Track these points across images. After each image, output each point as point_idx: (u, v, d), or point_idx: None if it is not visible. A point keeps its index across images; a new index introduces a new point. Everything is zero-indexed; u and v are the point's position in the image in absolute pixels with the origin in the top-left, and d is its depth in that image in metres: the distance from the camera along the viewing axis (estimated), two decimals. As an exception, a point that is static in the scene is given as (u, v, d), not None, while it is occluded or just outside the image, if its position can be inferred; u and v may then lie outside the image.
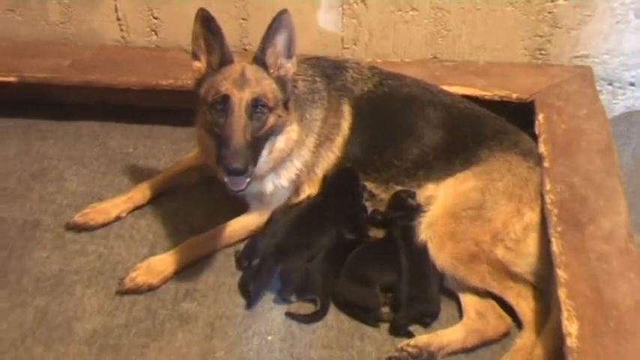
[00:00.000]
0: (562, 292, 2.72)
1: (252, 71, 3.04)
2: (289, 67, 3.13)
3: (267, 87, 3.05)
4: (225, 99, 2.96)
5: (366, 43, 4.04)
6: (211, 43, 3.05)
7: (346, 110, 3.41)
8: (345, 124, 3.40)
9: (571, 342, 2.56)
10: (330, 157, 3.41)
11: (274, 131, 3.11)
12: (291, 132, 3.22)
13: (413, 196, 3.32)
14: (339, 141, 3.40)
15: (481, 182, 3.19)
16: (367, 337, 3.02)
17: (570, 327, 2.61)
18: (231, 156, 2.86)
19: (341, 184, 3.37)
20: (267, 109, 3.03)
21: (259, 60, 3.08)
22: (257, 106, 2.99)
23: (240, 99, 2.96)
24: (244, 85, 2.98)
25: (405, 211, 3.27)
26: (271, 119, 3.05)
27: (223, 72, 3.03)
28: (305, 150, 3.34)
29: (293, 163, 3.33)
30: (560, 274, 2.78)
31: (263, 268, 3.11)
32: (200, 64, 3.11)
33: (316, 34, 4.02)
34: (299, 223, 3.27)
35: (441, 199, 3.23)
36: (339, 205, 3.32)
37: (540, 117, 3.52)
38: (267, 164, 3.20)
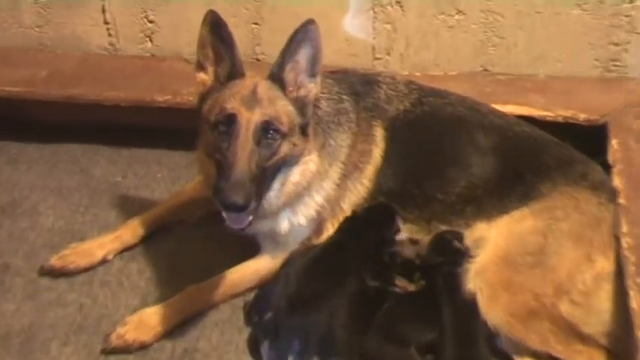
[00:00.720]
0: (643, 358, 2.69)
1: (266, 89, 3.08)
2: (311, 87, 3.17)
3: (282, 109, 3.08)
4: (231, 119, 3.00)
5: (402, 52, 4.08)
6: (220, 52, 3.10)
7: (378, 134, 3.44)
8: (377, 151, 3.43)
9: (655, 418, 2.54)
10: (358, 189, 3.43)
11: (287, 162, 3.14)
12: (309, 163, 3.25)
13: (460, 237, 3.32)
14: (370, 170, 3.42)
15: (542, 222, 3.18)
16: (401, 406, 3.02)
17: (654, 400, 2.59)
18: (229, 188, 2.88)
19: (371, 222, 3.39)
20: (280, 136, 3.06)
21: (276, 76, 3.12)
22: (268, 130, 3.02)
23: (248, 120, 2.99)
24: (255, 105, 3.01)
25: (451, 255, 3.27)
26: (284, 148, 3.08)
27: (232, 87, 3.07)
28: (328, 182, 3.37)
29: (313, 198, 3.36)
30: (641, 335, 2.75)
31: (276, 326, 3.10)
32: (206, 77, 3.15)
33: (342, 41, 4.08)
34: (315, 267, 3.28)
35: (493, 241, 3.23)
36: (363, 245, 3.34)
37: (614, 143, 3.52)
38: (279, 199, 3.23)
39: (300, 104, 3.14)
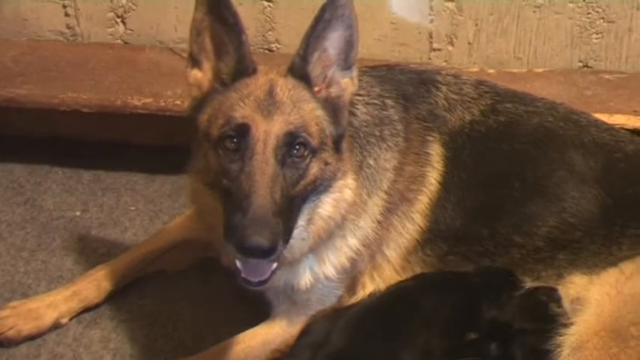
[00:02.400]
0: None
1: (287, 89, 3.10)
2: (346, 84, 3.20)
3: (310, 115, 3.11)
4: (242, 131, 3.01)
5: (470, 41, 4.16)
6: (223, 42, 3.13)
7: (435, 152, 3.48)
8: (434, 176, 3.47)
9: None
10: (408, 229, 3.46)
11: (317, 187, 3.15)
12: (344, 189, 3.27)
13: (559, 299, 3.35)
14: (424, 202, 3.45)
15: (664, 279, 3.23)
16: None
17: None
18: (249, 226, 2.85)
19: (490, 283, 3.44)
20: (310, 152, 3.08)
21: (298, 71, 3.15)
22: (294, 145, 3.04)
23: (267, 132, 3.01)
24: (273, 111, 3.04)
25: (543, 323, 3.28)
26: (314, 168, 3.10)
27: (240, 88, 3.10)
28: (366, 218, 3.41)
29: (346, 240, 3.39)
30: None
31: None
32: (202, 75, 3.19)
33: (387, 25, 4.16)
34: (370, 319, 3.31)
35: (594, 304, 3.25)
36: (465, 301, 3.38)
37: None
38: (304, 242, 3.25)
39: (333, 108, 3.16)
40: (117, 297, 3.66)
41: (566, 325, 3.22)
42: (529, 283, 3.42)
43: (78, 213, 4.07)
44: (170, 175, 4.16)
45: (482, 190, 3.48)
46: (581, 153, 3.48)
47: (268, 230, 2.81)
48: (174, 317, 3.62)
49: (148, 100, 3.98)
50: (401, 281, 3.45)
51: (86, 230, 3.98)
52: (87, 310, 3.61)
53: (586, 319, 3.21)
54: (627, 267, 3.30)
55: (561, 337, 3.18)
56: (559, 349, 3.16)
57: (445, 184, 3.46)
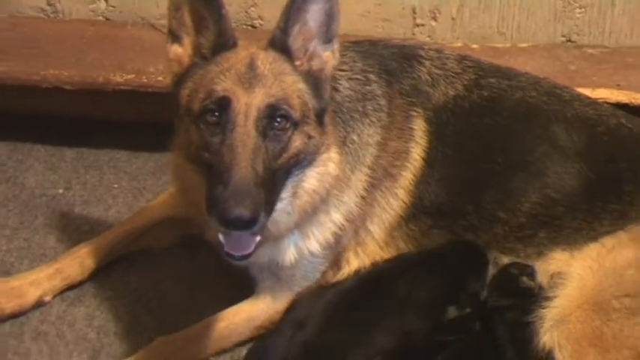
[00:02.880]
0: None
1: (268, 62, 3.10)
2: (327, 57, 3.19)
3: (292, 87, 3.10)
4: (223, 104, 3.00)
5: (454, 16, 4.13)
6: (203, 16, 3.11)
7: (418, 128, 3.47)
8: (417, 151, 3.46)
9: None
10: (392, 204, 3.46)
11: (301, 161, 3.14)
12: (328, 163, 3.26)
13: (531, 273, 3.36)
14: (408, 178, 3.45)
15: (647, 253, 3.23)
16: None
17: None
18: (230, 197, 2.85)
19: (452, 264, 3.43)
20: (291, 124, 3.07)
21: (279, 43, 3.14)
22: (275, 117, 3.03)
23: (248, 105, 3.00)
24: (254, 83, 3.03)
25: (518, 297, 3.30)
26: (297, 141, 3.09)
27: (220, 61, 3.09)
28: (350, 194, 3.40)
29: (329, 216, 3.38)
30: None
31: None
32: (182, 50, 3.17)
33: (370, 1, 4.14)
34: (344, 305, 3.30)
35: (577, 278, 3.26)
36: (448, 279, 3.39)
37: None
38: (288, 216, 3.24)
39: (314, 81, 3.16)
40: (101, 274, 3.65)
41: (547, 299, 3.23)
42: (507, 260, 3.43)
43: (61, 191, 4.05)
44: (154, 152, 4.14)
45: (465, 165, 3.48)
46: (565, 127, 3.48)
47: (249, 201, 2.81)
48: (158, 294, 3.61)
49: (130, 77, 3.96)
50: (375, 265, 3.45)
51: (69, 208, 3.96)
52: (70, 287, 3.59)
53: (568, 292, 3.22)
54: (609, 241, 3.31)
55: (544, 311, 3.19)
56: (541, 323, 3.17)
57: (429, 159, 3.45)
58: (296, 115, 3.04)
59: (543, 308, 3.20)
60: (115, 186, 4.08)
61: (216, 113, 2.97)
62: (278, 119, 3.00)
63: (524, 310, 3.24)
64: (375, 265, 3.45)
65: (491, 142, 3.49)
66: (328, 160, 3.24)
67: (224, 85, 2.99)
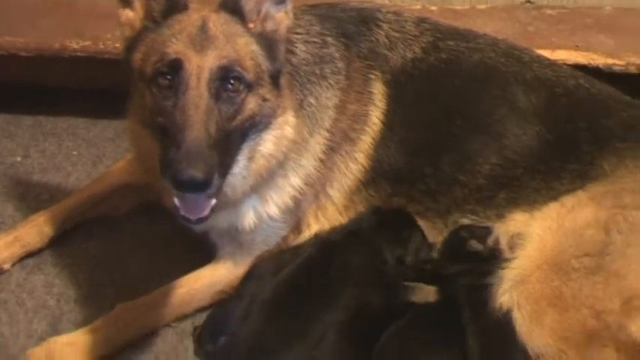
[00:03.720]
0: None
1: (220, 23, 3.07)
2: (281, 17, 3.16)
3: (245, 49, 3.08)
4: (175, 67, 2.98)
5: (412, -22, 4.09)
6: None
7: (377, 91, 3.45)
8: (376, 114, 3.44)
9: None
10: (351, 168, 3.44)
11: (256, 124, 3.13)
12: (285, 126, 3.24)
13: (482, 235, 3.36)
14: (367, 142, 3.43)
15: (604, 211, 3.20)
16: None
17: None
18: (183, 159, 2.83)
19: (382, 225, 3.41)
20: (245, 86, 3.05)
21: (231, 5, 3.11)
22: (228, 79, 3.01)
23: (200, 67, 2.98)
24: (206, 45, 3.00)
25: (467, 262, 3.30)
26: (251, 103, 3.07)
27: (171, 24, 3.05)
28: (308, 157, 3.38)
29: (288, 179, 3.37)
30: None
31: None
32: (133, 14, 3.14)
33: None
34: (284, 299, 3.25)
35: (536, 239, 3.24)
36: (367, 253, 3.34)
37: None
38: (245, 180, 3.23)
39: (268, 42, 3.13)
40: (59, 242, 3.63)
41: (506, 260, 3.22)
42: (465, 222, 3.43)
43: (19, 159, 4.02)
44: (112, 119, 4.11)
45: (424, 128, 3.46)
46: (523, 89, 3.48)
47: (202, 162, 2.80)
48: (118, 261, 3.59)
49: (86, 44, 3.92)
50: (299, 249, 3.43)
51: (28, 176, 3.94)
52: (29, 255, 3.57)
53: (528, 253, 3.21)
54: (568, 201, 3.30)
55: (503, 272, 3.18)
56: (500, 284, 3.16)
57: (388, 123, 3.44)
58: (249, 76, 3.03)
59: (502, 269, 3.19)
60: (74, 153, 4.05)
61: (169, 76, 2.95)
62: (231, 81, 2.99)
63: (481, 272, 3.23)
64: (301, 254, 3.39)
65: (449, 105, 3.48)
66: (285, 124, 3.23)
67: (176, 47, 2.97)
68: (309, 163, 3.37)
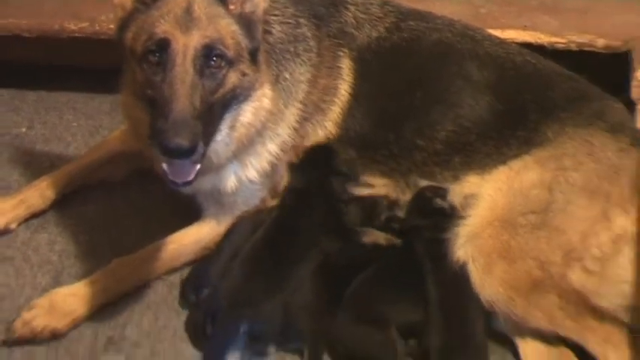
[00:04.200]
0: (669, 335, 2.82)
1: (203, 5, 3.13)
2: (258, 1, 3.23)
3: (226, 29, 3.15)
4: (163, 45, 3.05)
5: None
6: None
7: (345, 66, 3.54)
8: (344, 87, 3.53)
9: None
10: (321, 136, 3.54)
11: (237, 96, 3.21)
12: (262, 98, 3.33)
13: (443, 194, 3.46)
14: (336, 112, 3.53)
15: (548, 173, 3.31)
16: (378, 403, 3.15)
17: (680, 386, 2.71)
18: (170, 128, 2.91)
19: (313, 169, 3.50)
20: (226, 62, 3.13)
21: None
22: (211, 56, 3.09)
23: (186, 45, 3.05)
24: (191, 26, 3.08)
25: (432, 217, 3.40)
26: (232, 78, 3.16)
27: (160, 6, 3.12)
28: (283, 126, 3.47)
29: (265, 146, 3.45)
30: (667, 307, 2.88)
31: (219, 328, 3.18)
32: None
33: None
34: (261, 255, 3.33)
35: (487, 198, 3.35)
36: (314, 204, 3.45)
37: (639, 74, 3.66)
38: (227, 147, 3.31)
39: (247, 23, 3.21)
40: (61, 205, 3.69)
41: (461, 218, 3.33)
42: (425, 183, 3.52)
43: (24, 130, 4.08)
44: (108, 94, 4.17)
45: (388, 99, 3.55)
46: (476, 65, 3.56)
47: (188, 131, 2.88)
48: (114, 222, 3.67)
49: (84, 25, 3.96)
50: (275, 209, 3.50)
51: (31, 145, 3.99)
52: (34, 216, 3.63)
53: (480, 212, 3.32)
54: (516, 164, 3.40)
55: (458, 228, 3.29)
56: (456, 239, 3.27)
57: (355, 94, 3.52)
58: (230, 54, 3.11)
59: (458, 226, 3.30)
60: (74, 125, 4.11)
61: (157, 54, 3.03)
62: (214, 58, 3.07)
63: (441, 228, 3.33)
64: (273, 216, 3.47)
65: (410, 79, 3.56)
66: (262, 96, 3.31)
67: (163, 27, 3.04)
68: (284, 131, 3.46)
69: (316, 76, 3.50)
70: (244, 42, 3.19)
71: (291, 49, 3.46)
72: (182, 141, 2.87)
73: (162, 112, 2.94)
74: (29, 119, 4.12)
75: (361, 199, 3.55)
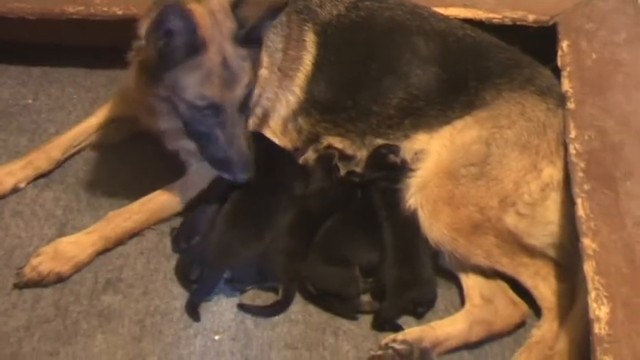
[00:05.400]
0: (589, 267, 2.82)
1: (234, 55, 3.08)
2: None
3: (250, 69, 3.15)
4: (214, 106, 3.09)
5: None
6: None
7: (310, 39, 3.52)
8: (309, 57, 3.51)
9: (600, 329, 2.67)
10: (289, 99, 3.53)
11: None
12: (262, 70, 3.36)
13: (396, 151, 3.46)
14: (301, 79, 3.52)
15: (486, 131, 3.33)
16: (343, 332, 3.16)
17: (599, 310, 2.71)
18: (236, 167, 3.14)
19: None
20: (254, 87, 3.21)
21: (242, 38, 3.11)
22: (248, 96, 3.18)
23: (232, 99, 3.10)
24: (233, 83, 3.09)
25: (386, 170, 3.41)
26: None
27: (200, 65, 3.04)
28: (269, 90, 3.48)
29: (253, 110, 3.43)
30: (587, 243, 2.88)
31: (205, 277, 3.19)
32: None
33: None
34: (240, 207, 3.33)
35: (434, 153, 3.37)
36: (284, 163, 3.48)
37: (564, 45, 3.63)
38: None
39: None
40: (65, 166, 3.66)
41: (412, 171, 3.34)
42: (380, 142, 3.53)
43: (30, 101, 4.02)
44: (105, 69, 4.12)
45: (347, 69, 3.53)
46: (424, 39, 3.55)
47: (249, 166, 3.18)
48: (112, 179, 3.64)
49: (80, 8, 3.89)
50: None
51: (37, 114, 3.94)
52: (41, 176, 3.60)
53: (428, 165, 3.34)
54: (458, 124, 3.41)
55: (409, 180, 3.31)
56: (408, 189, 3.30)
57: (318, 64, 3.51)
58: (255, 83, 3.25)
59: (409, 178, 3.32)
60: (74, 97, 4.05)
61: (209, 111, 3.11)
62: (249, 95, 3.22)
63: (394, 180, 3.35)
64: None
65: (366, 51, 3.55)
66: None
67: (211, 92, 3.08)
68: (268, 95, 3.47)
69: (287, 47, 3.48)
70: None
71: None
72: (247, 175, 3.16)
73: (219, 148, 3.14)
74: (34, 92, 4.07)
75: (318, 155, 3.54)
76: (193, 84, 3.05)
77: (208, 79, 3.04)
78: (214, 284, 3.17)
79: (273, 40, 3.44)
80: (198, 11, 3.02)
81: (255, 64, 3.18)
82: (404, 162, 3.43)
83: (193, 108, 3.09)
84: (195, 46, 3.00)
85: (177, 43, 2.98)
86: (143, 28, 3.15)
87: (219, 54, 3.04)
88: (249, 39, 3.08)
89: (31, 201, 3.54)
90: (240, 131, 3.11)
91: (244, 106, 3.14)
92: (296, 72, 3.48)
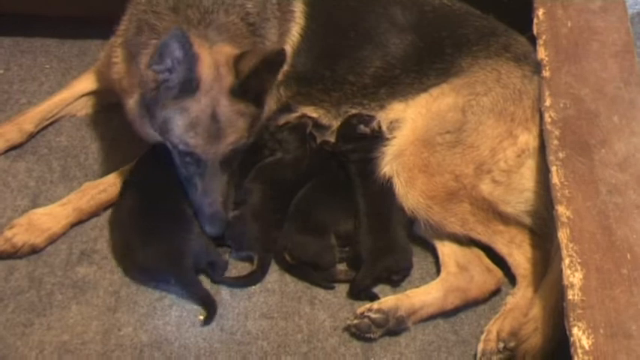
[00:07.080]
0: (563, 234, 2.83)
1: (227, 110, 3.04)
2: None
3: (245, 124, 3.11)
4: (195, 155, 3.07)
5: None
6: None
7: (298, 10, 3.47)
8: (296, 28, 3.46)
9: (573, 295, 2.69)
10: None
11: None
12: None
13: (367, 121, 3.45)
14: (289, 51, 3.41)
15: (462, 98, 3.33)
16: (319, 301, 3.18)
17: (573, 277, 2.73)
18: (207, 221, 3.13)
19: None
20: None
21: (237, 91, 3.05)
22: (235, 151, 3.13)
23: (215, 153, 3.06)
24: (218, 137, 3.05)
25: (356, 142, 3.41)
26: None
27: (188, 109, 3.01)
28: None
29: None
30: (562, 211, 2.89)
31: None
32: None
33: None
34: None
35: (410, 122, 3.37)
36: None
37: (540, 12, 3.59)
38: None
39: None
40: (37, 137, 3.64)
41: (388, 140, 3.35)
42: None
43: (1, 71, 3.97)
44: (77, 39, 4.08)
45: (326, 39, 3.50)
46: (400, 8, 3.53)
47: (219, 225, 3.17)
48: (85, 151, 3.62)
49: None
50: None
51: (9, 85, 3.89)
52: (13, 148, 3.57)
53: (404, 133, 3.34)
54: (434, 91, 3.42)
55: (385, 148, 3.32)
56: (383, 157, 3.30)
57: (304, 35, 3.46)
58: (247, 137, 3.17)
59: (385, 146, 3.33)
60: (47, 67, 4.01)
61: (190, 157, 3.09)
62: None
63: (368, 149, 3.35)
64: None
65: (345, 21, 3.52)
66: None
67: (194, 141, 3.05)
68: None
69: (276, 16, 3.41)
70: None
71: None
72: (216, 231, 3.14)
73: (195, 195, 3.13)
74: (6, 62, 4.01)
75: (292, 125, 3.53)
76: (179, 127, 3.01)
77: (194, 128, 3.00)
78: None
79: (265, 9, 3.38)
80: (203, 55, 3.00)
81: (254, 122, 3.14)
82: (376, 132, 3.42)
83: (176, 150, 3.08)
84: (190, 85, 2.96)
85: (175, 80, 2.97)
86: (129, 33, 3.23)
87: (211, 106, 3.00)
88: (244, 90, 3.03)
89: (3, 172, 3.51)
90: (218, 186, 3.09)
91: (227, 163, 3.10)
92: (285, 45, 3.39)
